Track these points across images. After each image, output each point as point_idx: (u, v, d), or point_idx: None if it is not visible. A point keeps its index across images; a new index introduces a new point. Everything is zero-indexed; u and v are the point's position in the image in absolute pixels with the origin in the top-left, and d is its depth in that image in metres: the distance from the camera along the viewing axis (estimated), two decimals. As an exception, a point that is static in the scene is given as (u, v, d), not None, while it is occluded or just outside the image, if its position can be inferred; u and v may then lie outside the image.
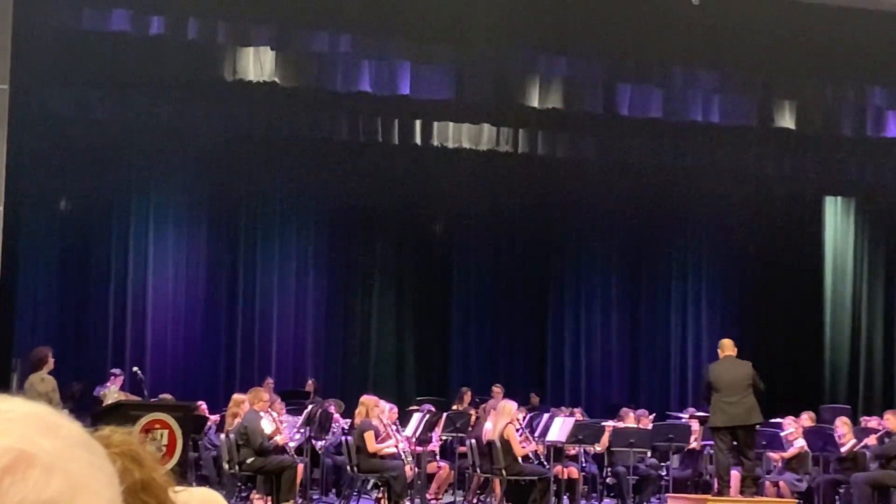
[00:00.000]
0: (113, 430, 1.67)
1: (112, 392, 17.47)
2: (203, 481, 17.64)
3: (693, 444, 19.37)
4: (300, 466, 16.73)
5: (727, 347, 16.56)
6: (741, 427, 16.04)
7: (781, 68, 20.42)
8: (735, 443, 16.14)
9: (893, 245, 27.20)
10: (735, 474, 16.88)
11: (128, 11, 17.93)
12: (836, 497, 18.38)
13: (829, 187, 26.94)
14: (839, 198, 27.75)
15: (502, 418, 16.98)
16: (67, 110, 20.34)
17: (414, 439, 17.76)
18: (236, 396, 17.57)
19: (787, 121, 22.01)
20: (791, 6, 16.95)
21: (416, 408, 20.28)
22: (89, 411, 18.07)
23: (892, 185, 25.29)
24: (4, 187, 14.42)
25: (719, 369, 16.34)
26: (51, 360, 15.41)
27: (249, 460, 16.08)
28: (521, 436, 17.23)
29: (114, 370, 20.78)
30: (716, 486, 17.01)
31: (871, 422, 20.25)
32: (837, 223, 27.83)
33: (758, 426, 16.64)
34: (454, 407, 21.27)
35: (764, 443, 18.23)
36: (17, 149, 15.22)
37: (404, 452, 17.23)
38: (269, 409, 16.84)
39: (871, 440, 18.20)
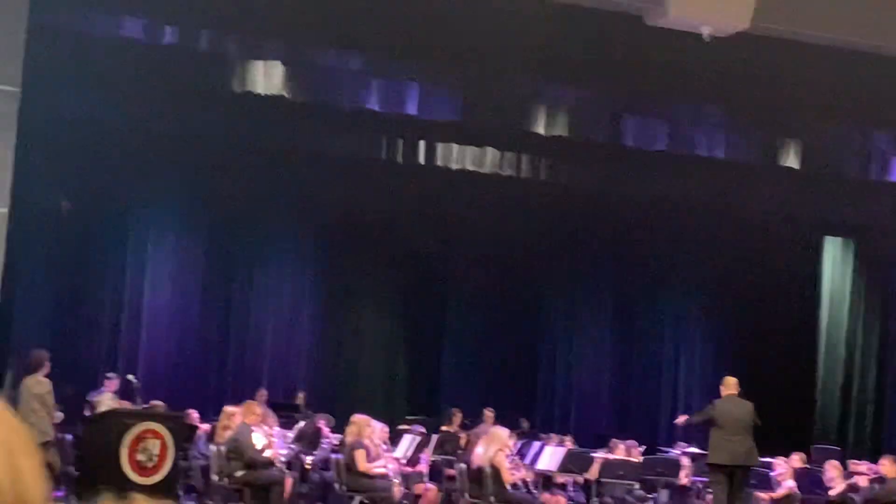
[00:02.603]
0: None
1: (106, 399, 17.49)
2: (191, 491, 17.65)
3: (683, 480, 19.36)
4: (288, 480, 16.73)
5: (731, 386, 16.54)
6: (740, 467, 16.05)
7: (788, 108, 20.45)
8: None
9: (890, 288, 27.23)
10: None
11: (141, 20, 17.96)
12: (822, 540, 18.39)
13: (830, 227, 27.00)
14: (839, 238, 27.79)
15: (493, 445, 16.98)
16: (76, 115, 20.33)
17: (404, 461, 17.76)
18: (228, 409, 17.56)
19: (791, 160, 22.05)
20: (799, 48, 16.97)
21: (406, 427, 20.29)
22: (81, 416, 18.11)
23: (893, 229, 25.33)
24: (11, 189, 14.41)
25: (724, 407, 16.31)
26: (47, 364, 15.43)
27: (239, 473, 16.08)
28: (510, 463, 17.23)
29: (108, 374, 20.74)
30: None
31: (861, 466, 20.25)
32: (836, 263, 27.85)
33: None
34: (443, 427, 21.26)
35: (753, 482, 18.23)
36: (23, 151, 15.21)
37: (394, 473, 17.23)
38: (262, 423, 16.84)
39: (861, 483, 18.21)
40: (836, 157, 22.22)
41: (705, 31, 14.71)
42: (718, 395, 17.00)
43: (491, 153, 23.43)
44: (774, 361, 26.03)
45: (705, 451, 17.45)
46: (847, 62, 17.56)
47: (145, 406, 18.03)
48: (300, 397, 23.42)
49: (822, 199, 24.54)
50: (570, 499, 19.05)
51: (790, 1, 15.10)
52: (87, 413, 18.09)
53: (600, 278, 27.17)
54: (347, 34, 18.43)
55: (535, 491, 17.66)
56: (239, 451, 16.02)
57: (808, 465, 19.91)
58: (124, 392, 19.68)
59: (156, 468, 13.98)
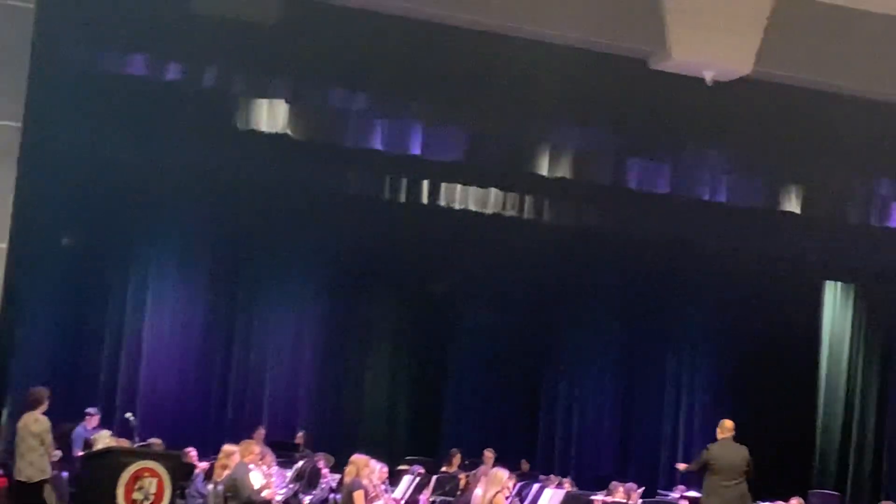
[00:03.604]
0: None
1: (103, 437, 17.43)
2: (188, 530, 17.57)
3: (681, 524, 19.32)
4: (286, 521, 16.67)
5: (727, 429, 16.50)
6: None
7: (790, 153, 20.45)
8: None
9: (891, 333, 27.21)
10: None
11: (145, 56, 17.97)
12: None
13: (830, 272, 26.99)
14: (839, 283, 27.80)
15: (492, 486, 16.87)
16: (78, 151, 20.33)
17: (403, 502, 17.69)
18: (226, 448, 17.45)
19: (793, 205, 22.04)
20: (802, 93, 16.97)
21: (405, 467, 20.24)
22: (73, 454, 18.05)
23: (893, 274, 25.31)
24: (11, 225, 14.38)
25: (719, 452, 16.28)
26: (46, 402, 15.38)
27: (236, 513, 15.99)
28: (509, 505, 17.17)
29: (89, 409, 20.43)
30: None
31: (861, 512, 20.23)
32: (836, 308, 27.86)
33: None
34: (443, 468, 21.20)
35: (752, 527, 18.16)
36: (25, 187, 15.20)
37: (392, 514, 17.19)
38: (260, 462, 16.77)
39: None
40: (838, 202, 22.19)
41: (708, 75, 14.72)
42: (716, 439, 16.96)
43: (494, 194, 23.45)
44: (774, 405, 26.00)
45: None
46: (849, 108, 17.58)
47: (143, 444, 17.95)
48: (300, 436, 23.35)
49: (823, 244, 24.52)
50: (568, 542, 18.97)
51: (793, 47, 15.12)
52: (79, 451, 18.02)
53: (602, 320, 27.17)
54: (352, 74, 18.44)
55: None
56: (236, 491, 15.93)
57: (807, 511, 19.86)
58: (120, 429, 19.59)
59: (152, 508, 13.90)
